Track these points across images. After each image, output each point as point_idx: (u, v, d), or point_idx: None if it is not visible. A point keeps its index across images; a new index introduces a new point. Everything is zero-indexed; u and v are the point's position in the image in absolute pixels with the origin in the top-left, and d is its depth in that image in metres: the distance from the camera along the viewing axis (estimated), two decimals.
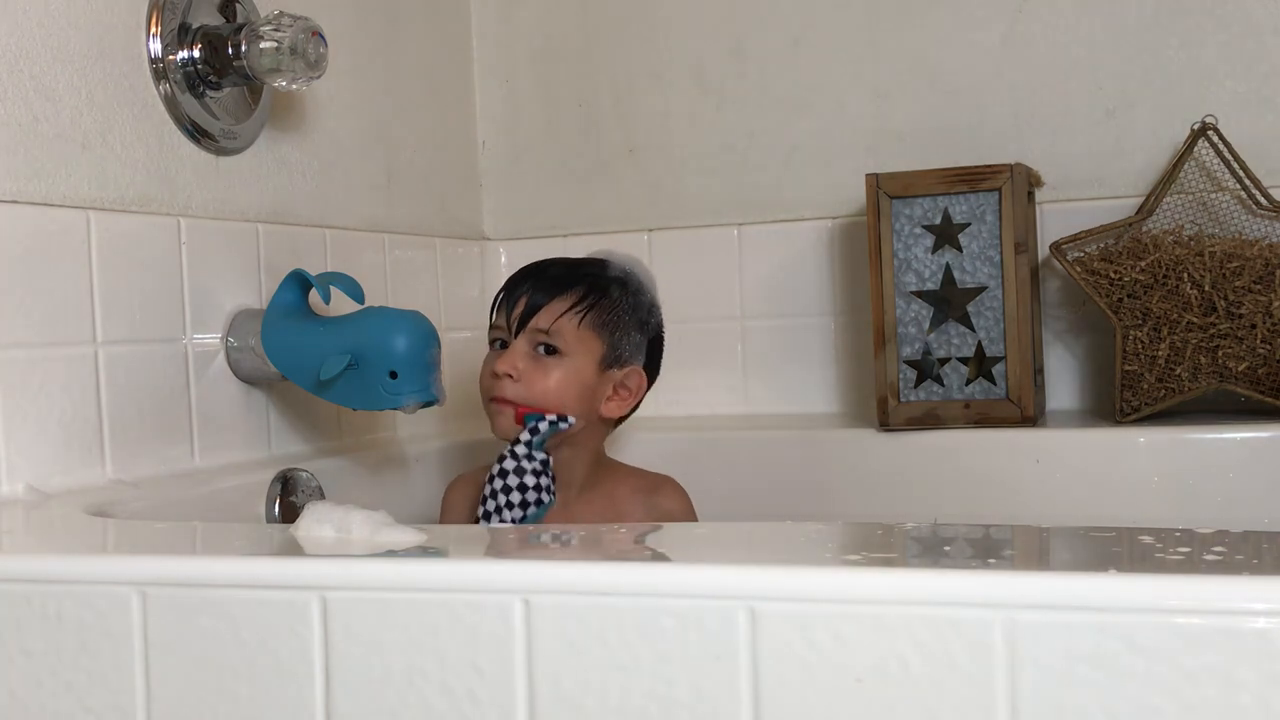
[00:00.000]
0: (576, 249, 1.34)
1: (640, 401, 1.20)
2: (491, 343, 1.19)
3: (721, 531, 0.74)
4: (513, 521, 1.11)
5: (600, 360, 1.16)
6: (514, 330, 1.15)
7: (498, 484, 1.12)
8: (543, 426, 1.12)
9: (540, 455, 1.13)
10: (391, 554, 0.66)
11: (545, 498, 1.13)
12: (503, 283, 1.20)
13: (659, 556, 0.63)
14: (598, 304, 1.16)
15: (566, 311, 1.15)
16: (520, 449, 1.12)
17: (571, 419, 1.13)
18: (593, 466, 1.19)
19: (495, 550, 0.67)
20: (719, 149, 1.60)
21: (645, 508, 1.19)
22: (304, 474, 1.15)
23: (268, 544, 0.74)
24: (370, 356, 1.08)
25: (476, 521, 1.13)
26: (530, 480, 1.12)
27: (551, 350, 1.15)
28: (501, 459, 1.13)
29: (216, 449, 1.15)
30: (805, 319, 1.55)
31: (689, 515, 1.21)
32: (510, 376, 1.13)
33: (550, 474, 1.13)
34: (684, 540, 0.70)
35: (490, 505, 1.12)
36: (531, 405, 1.13)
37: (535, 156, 1.66)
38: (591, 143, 1.64)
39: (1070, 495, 1.28)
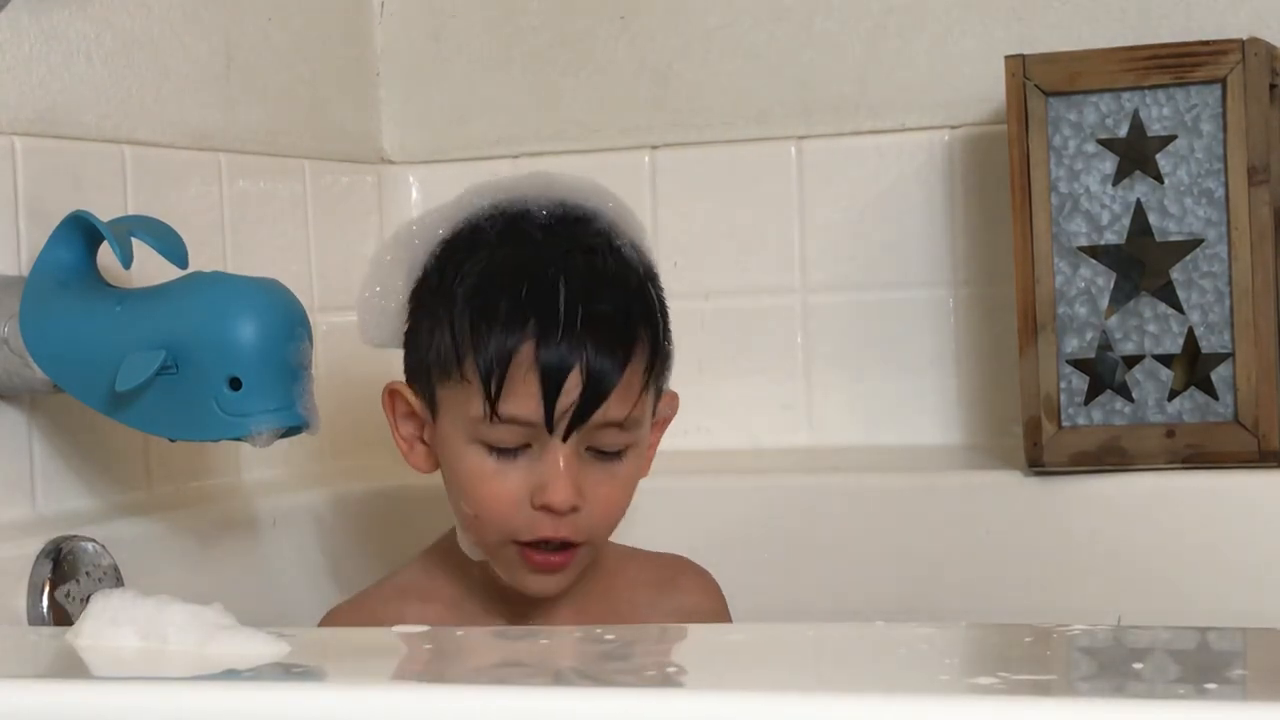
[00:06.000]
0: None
1: None
2: (493, 447, 1.12)
3: (775, 639, 0.76)
4: None
5: (653, 411, 1.17)
6: (564, 430, 1.11)
7: None
8: None
9: None
10: (233, 675, 0.68)
11: None
12: (488, 321, 1.11)
13: (669, 680, 0.65)
14: (658, 333, 1.14)
15: (646, 383, 1.13)
16: None
17: None
18: None
19: (403, 668, 0.70)
20: (766, 15, 1.59)
21: (654, 608, 1.20)
22: (89, 545, 1.17)
23: (31, 659, 0.77)
24: (198, 354, 1.10)
25: None
26: None
27: (612, 451, 1.13)
28: None
29: None
30: (905, 292, 1.56)
31: (720, 616, 1.24)
32: (576, 509, 1.11)
33: None
34: (714, 652, 0.71)
35: None
36: (589, 537, 1.12)
37: (467, 30, 1.66)
38: (558, 6, 1.63)
39: None
